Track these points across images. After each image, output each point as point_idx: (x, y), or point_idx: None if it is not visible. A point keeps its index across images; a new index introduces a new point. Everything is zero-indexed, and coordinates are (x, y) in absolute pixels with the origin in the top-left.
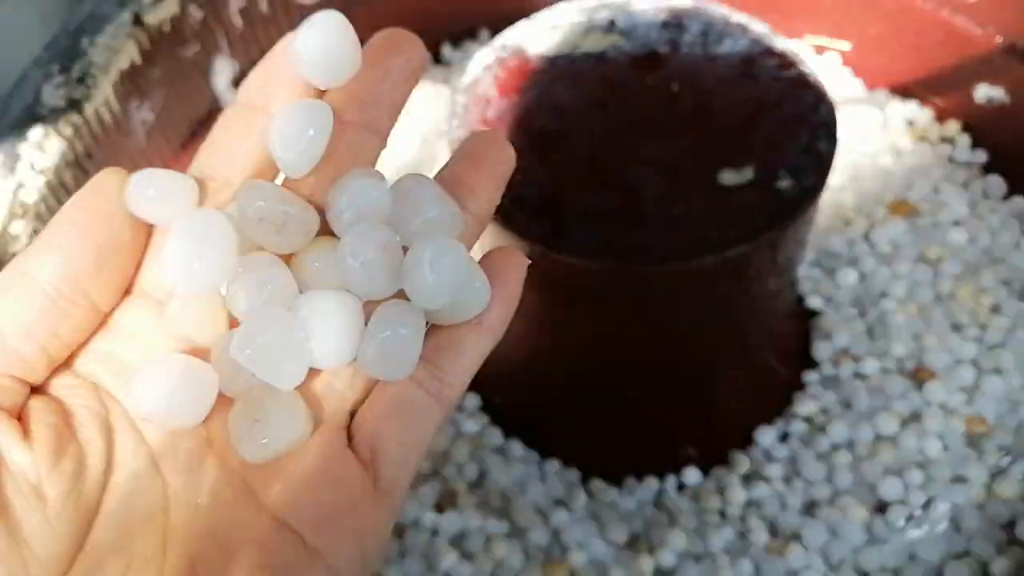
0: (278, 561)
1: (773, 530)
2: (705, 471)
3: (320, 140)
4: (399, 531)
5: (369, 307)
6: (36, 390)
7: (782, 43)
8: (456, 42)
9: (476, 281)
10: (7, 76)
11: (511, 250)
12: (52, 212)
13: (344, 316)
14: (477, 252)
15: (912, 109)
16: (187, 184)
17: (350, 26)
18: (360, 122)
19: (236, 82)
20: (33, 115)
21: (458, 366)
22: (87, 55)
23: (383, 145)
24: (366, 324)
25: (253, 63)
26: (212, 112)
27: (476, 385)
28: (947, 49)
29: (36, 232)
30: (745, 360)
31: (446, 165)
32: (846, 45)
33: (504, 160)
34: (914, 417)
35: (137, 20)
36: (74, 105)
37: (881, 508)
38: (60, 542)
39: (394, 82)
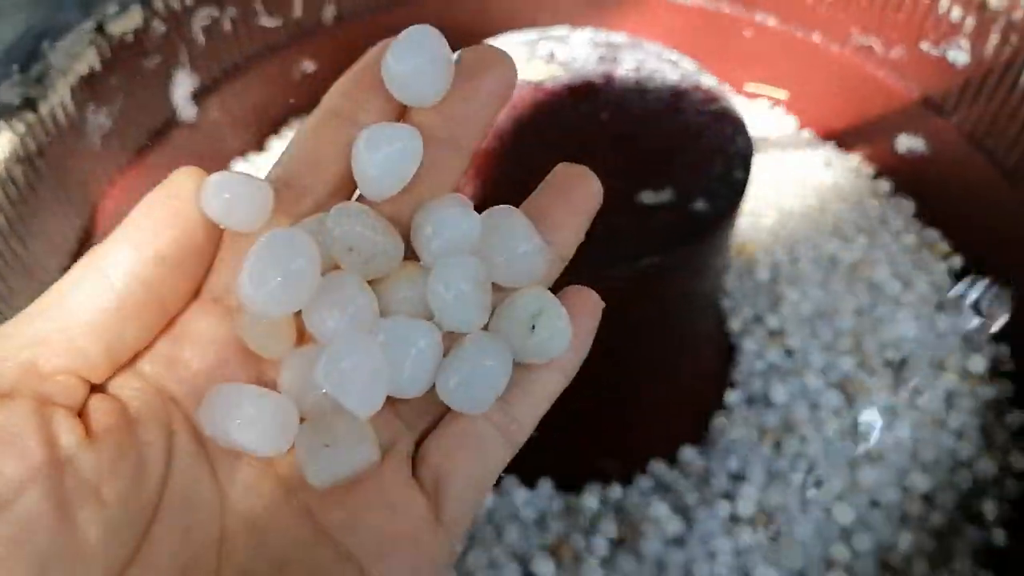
0: None
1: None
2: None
3: (407, 168)
4: None
5: (448, 337)
6: (99, 388)
7: (708, 79)
8: None
9: (561, 322)
10: None
11: (587, 291)
12: None
13: (426, 347)
14: None
15: (840, 153)
16: (264, 190)
17: (444, 42)
18: (446, 140)
19: (195, 95)
20: None
21: (529, 405)
22: (46, 57)
23: (467, 164)
24: (444, 355)
25: (215, 79)
26: (170, 122)
27: None
28: (872, 100)
29: None
30: (664, 378)
31: (532, 196)
32: (784, 93)
33: (592, 195)
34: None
35: (100, 29)
36: (29, 104)
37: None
38: (117, 545)
39: (483, 101)
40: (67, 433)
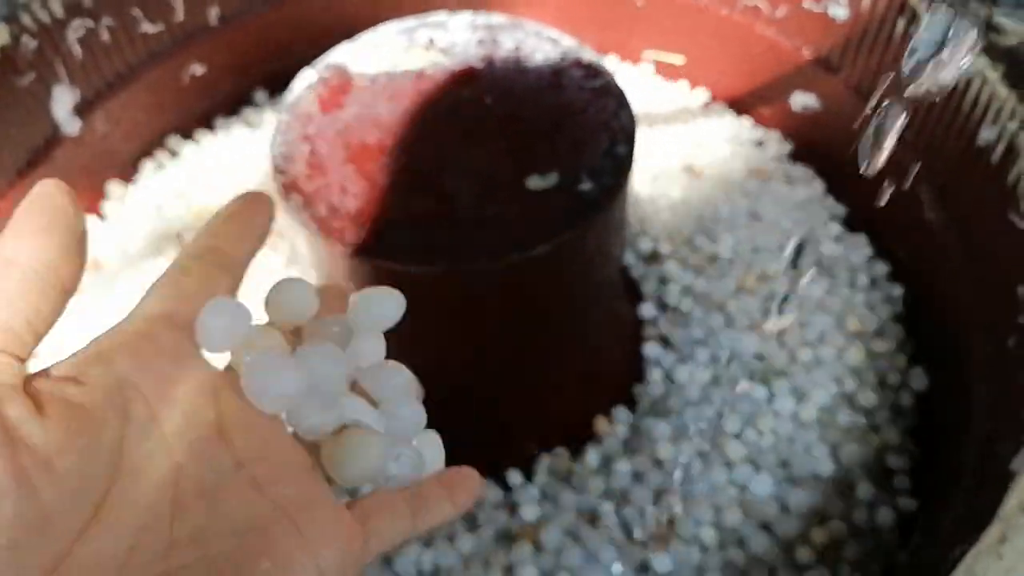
0: (280, 553)
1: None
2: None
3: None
4: None
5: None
6: (53, 367)
7: (589, 54)
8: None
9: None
10: None
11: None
12: None
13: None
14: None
15: (738, 116)
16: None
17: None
18: (216, 266)
19: (78, 110)
20: None
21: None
22: None
23: (236, 286)
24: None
25: (98, 91)
26: (51, 140)
27: None
28: (764, 61)
29: None
30: (574, 355)
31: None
32: (680, 59)
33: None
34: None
35: None
36: None
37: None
38: (75, 509)
39: (254, 237)
40: (16, 409)
